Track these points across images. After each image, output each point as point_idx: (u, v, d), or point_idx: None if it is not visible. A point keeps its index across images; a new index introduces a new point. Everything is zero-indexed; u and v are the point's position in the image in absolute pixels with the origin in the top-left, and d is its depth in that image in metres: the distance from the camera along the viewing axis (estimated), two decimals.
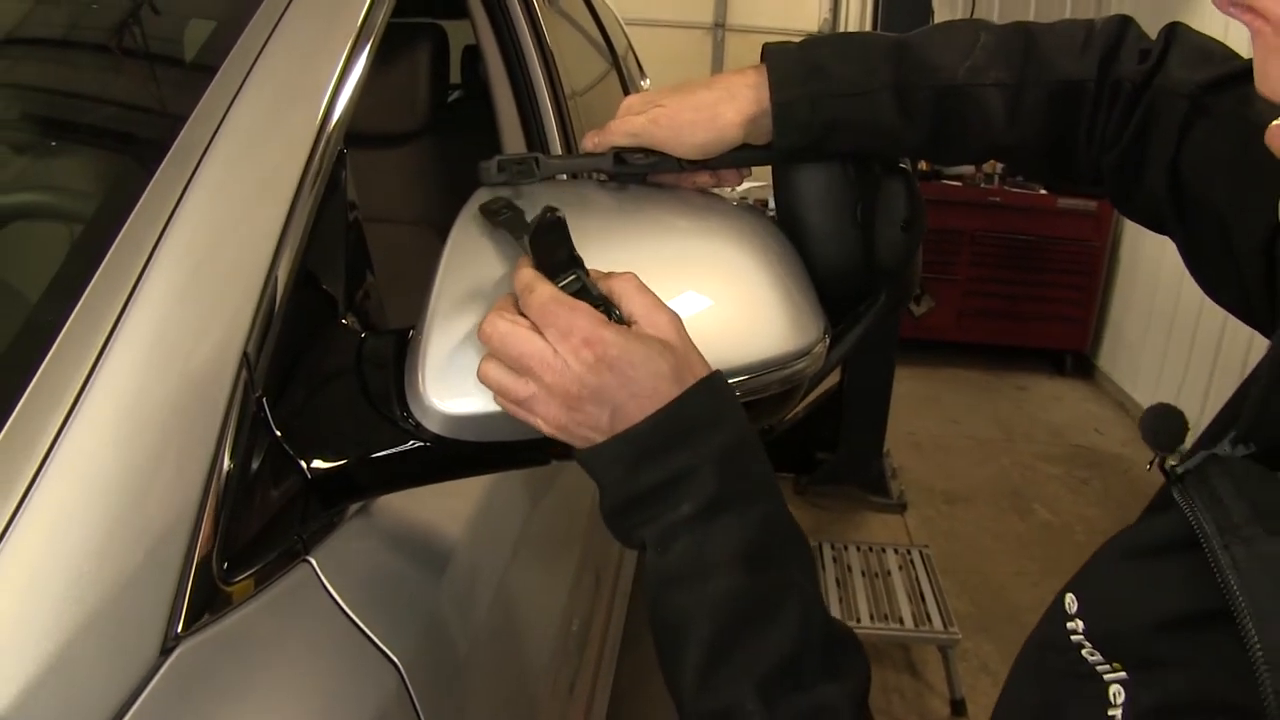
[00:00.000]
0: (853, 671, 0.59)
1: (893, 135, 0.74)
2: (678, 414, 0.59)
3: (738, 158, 0.77)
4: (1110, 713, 0.45)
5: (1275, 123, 0.42)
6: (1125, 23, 0.73)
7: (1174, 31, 0.71)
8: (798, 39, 0.79)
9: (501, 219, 0.67)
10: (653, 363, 0.60)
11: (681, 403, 0.59)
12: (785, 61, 0.73)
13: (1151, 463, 0.55)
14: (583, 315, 0.60)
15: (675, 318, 0.62)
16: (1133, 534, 0.52)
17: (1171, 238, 0.73)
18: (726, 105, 0.73)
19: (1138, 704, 0.44)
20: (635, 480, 0.60)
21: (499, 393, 0.62)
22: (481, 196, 0.72)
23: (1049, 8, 5.24)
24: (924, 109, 0.73)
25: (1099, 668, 0.47)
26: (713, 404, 0.61)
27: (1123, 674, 0.46)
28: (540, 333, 0.60)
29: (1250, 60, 0.61)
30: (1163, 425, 0.55)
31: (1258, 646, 0.38)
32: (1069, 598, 0.52)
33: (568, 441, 0.63)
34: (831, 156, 0.76)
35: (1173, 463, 0.51)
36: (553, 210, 0.62)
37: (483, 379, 0.62)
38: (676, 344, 0.62)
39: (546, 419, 0.61)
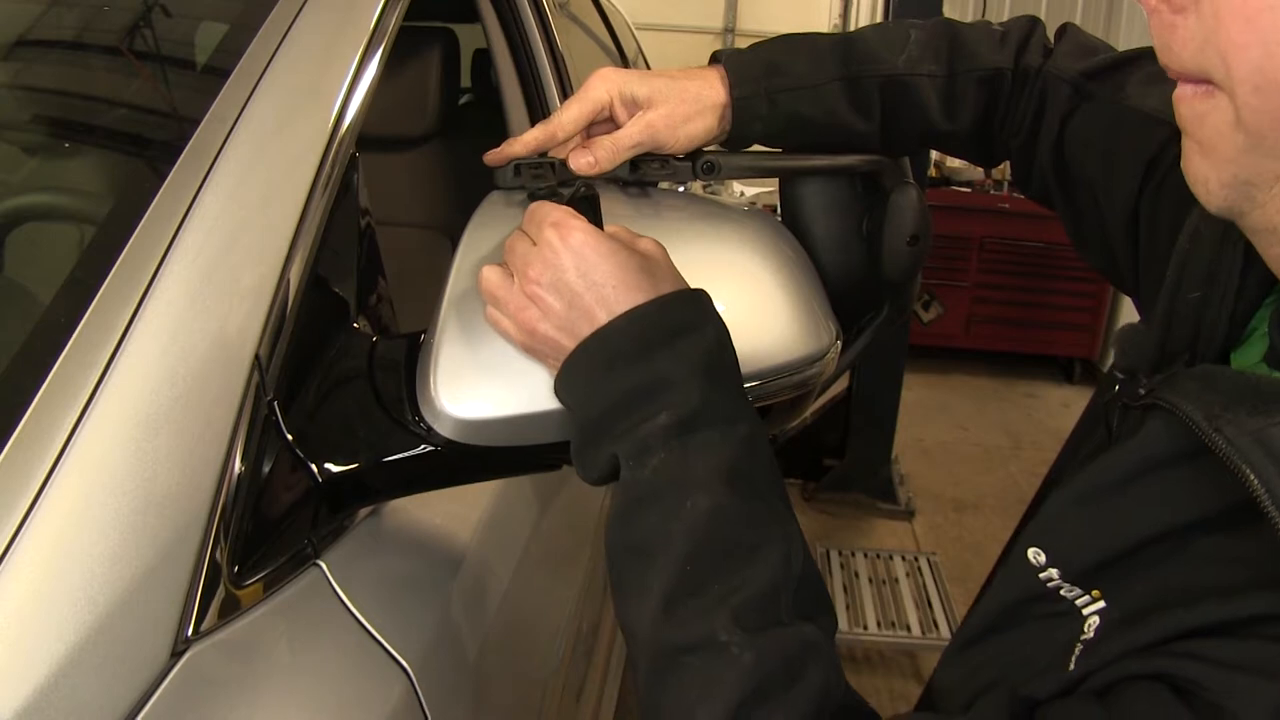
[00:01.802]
0: (826, 616, 0.57)
1: (846, 126, 0.77)
2: (659, 315, 0.58)
3: (752, 168, 0.78)
4: (1083, 638, 0.47)
5: (1178, 90, 0.45)
6: (1034, 21, 0.79)
7: (1066, 29, 0.79)
8: None
9: (542, 195, 0.68)
10: (619, 255, 0.59)
11: (663, 304, 0.58)
12: (739, 61, 0.76)
13: (1117, 384, 0.56)
14: (562, 209, 0.62)
15: (661, 246, 0.63)
16: (1098, 470, 0.52)
17: (1057, 213, 0.81)
18: (708, 94, 0.75)
19: (1108, 622, 0.46)
20: (609, 384, 0.57)
21: (488, 296, 0.63)
22: (494, 200, 0.72)
23: (1059, 7, 5.22)
24: (871, 99, 0.77)
25: (1078, 601, 0.48)
26: (696, 313, 0.60)
27: (1102, 603, 0.47)
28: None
29: (1125, 52, 0.73)
30: (1135, 343, 0.56)
31: (1268, 502, 0.40)
32: (1032, 553, 0.51)
33: (537, 354, 0.62)
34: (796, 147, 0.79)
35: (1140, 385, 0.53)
36: (588, 185, 0.64)
37: (479, 280, 0.63)
38: (657, 258, 0.62)
39: (515, 317, 0.61)
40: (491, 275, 0.63)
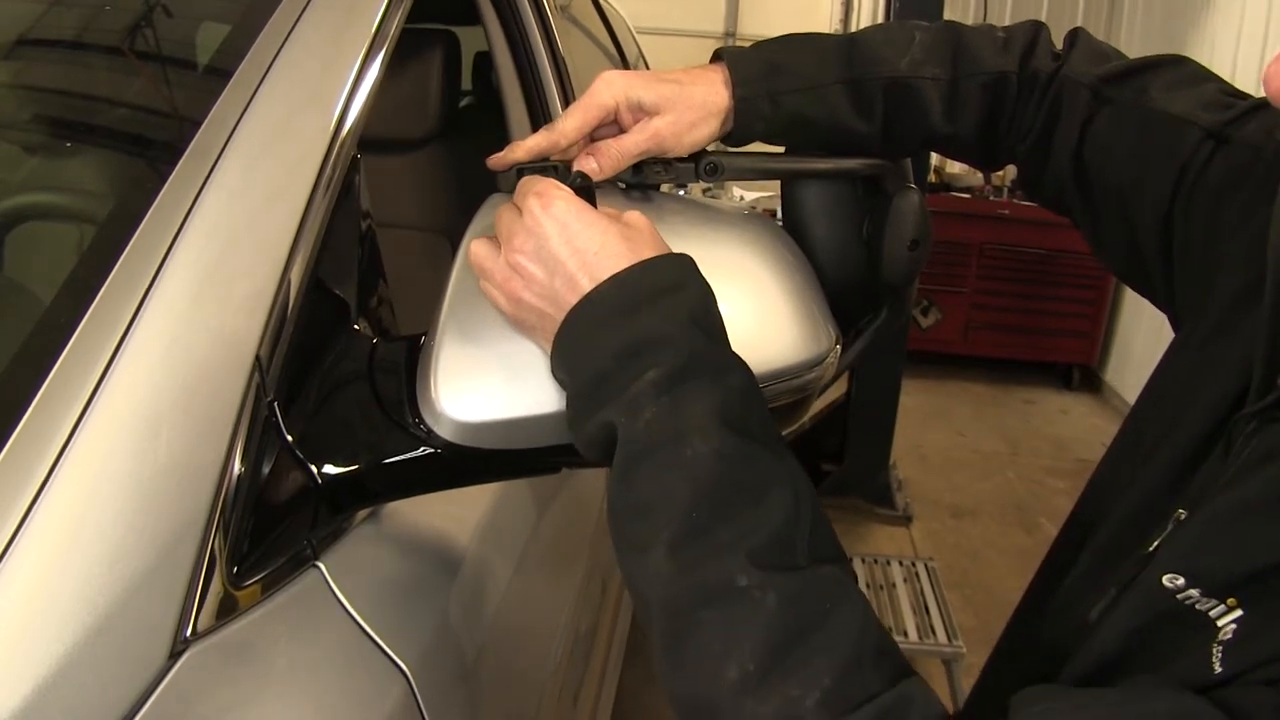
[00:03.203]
0: (844, 562, 0.54)
1: (847, 128, 0.77)
2: (642, 277, 0.58)
3: (754, 169, 0.78)
4: (1222, 639, 0.46)
5: None
6: (1038, 26, 0.79)
7: (1076, 34, 0.79)
8: None
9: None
10: (601, 223, 0.60)
11: (646, 267, 0.58)
12: (742, 61, 0.76)
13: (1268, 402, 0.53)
14: (547, 181, 0.62)
15: (649, 221, 0.63)
16: (1240, 492, 0.50)
17: (1073, 219, 0.80)
18: (714, 99, 0.75)
19: (1248, 625, 0.46)
20: (596, 349, 0.56)
21: (476, 269, 0.64)
22: (495, 202, 0.72)
23: (1060, 9, 5.23)
24: (874, 101, 0.76)
25: (1212, 612, 0.47)
26: (680, 273, 0.59)
27: (1239, 611, 0.47)
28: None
29: (1142, 58, 0.73)
30: None
31: None
32: (1168, 579, 0.50)
33: (526, 326, 0.62)
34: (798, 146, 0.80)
35: None
36: (583, 176, 0.65)
37: (469, 253, 0.64)
38: (640, 226, 0.62)
39: (502, 287, 0.62)
40: (479, 248, 0.63)
